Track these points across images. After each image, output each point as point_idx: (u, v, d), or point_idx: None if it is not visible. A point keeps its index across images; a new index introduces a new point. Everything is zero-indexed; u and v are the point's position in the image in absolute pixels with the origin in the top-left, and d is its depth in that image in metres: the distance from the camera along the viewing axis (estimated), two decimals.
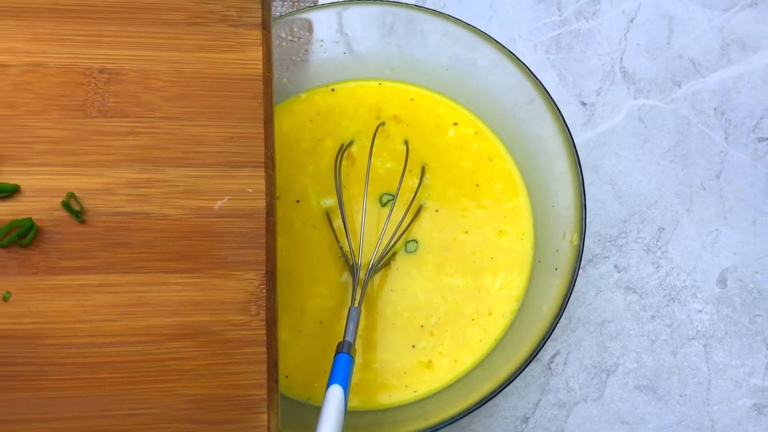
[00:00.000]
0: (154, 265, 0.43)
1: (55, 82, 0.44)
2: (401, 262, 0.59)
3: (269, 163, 0.47)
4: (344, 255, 0.58)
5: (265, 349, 0.43)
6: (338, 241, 0.59)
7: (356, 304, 0.54)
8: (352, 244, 0.58)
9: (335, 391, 0.46)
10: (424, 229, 0.60)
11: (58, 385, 0.40)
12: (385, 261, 0.58)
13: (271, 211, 0.46)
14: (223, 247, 0.44)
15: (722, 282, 0.64)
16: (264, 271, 0.44)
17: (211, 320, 0.43)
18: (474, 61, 0.61)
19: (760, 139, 0.68)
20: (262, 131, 0.47)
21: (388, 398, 0.56)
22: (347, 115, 0.64)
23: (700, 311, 0.63)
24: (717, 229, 0.65)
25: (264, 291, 0.44)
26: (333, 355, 0.56)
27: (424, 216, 0.61)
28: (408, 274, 0.59)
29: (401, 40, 0.62)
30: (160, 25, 0.47)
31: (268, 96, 0.49)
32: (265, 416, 0.42)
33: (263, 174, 0.46)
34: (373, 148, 0.62)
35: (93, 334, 0.41)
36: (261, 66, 0.48)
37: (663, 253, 0.65)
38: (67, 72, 0.44)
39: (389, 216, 0.59)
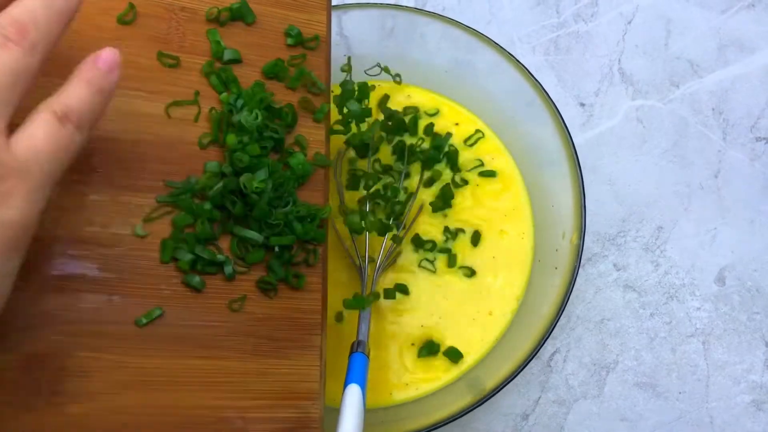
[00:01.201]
0: None
1: (138, 12, 0.46)
2: (402, 261, 0.60)
3: (326, 138, 0.51)
4: (350, 256, 0.59)
5: (320, 279, 0.47)
6: (344, 243, 0.59)
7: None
8: (357, 245, 0.59)
9: (354, 391, 0.46)
10: (427, 230, 0.61)
11: (139, 292, 0.42)
12: (391, 260, 0.59)
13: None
14: None
15: (720, 280, 0.64)
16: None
17: None
18: (473, 64, 0.62)
19: (758, 139, 0.69)
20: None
21: (389, 396, 0.56)
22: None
23: (698, 309, 0.63)
24: (715, 228, 0.66)
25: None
26: (342, 355, 0.57)
27: (426, 217, 0.61)
28: (409, 274, 0.60)
29: (401, 43, 0.63)
30: None
31: (328, 56, 0.51)
32: (318, 338, 0.46)
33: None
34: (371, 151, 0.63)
35: None
36: (324, 28, 0.51)
37: (662, 251, 0.65)
38: (151, 5, 0.46)
39: (393, 215, 0.60)
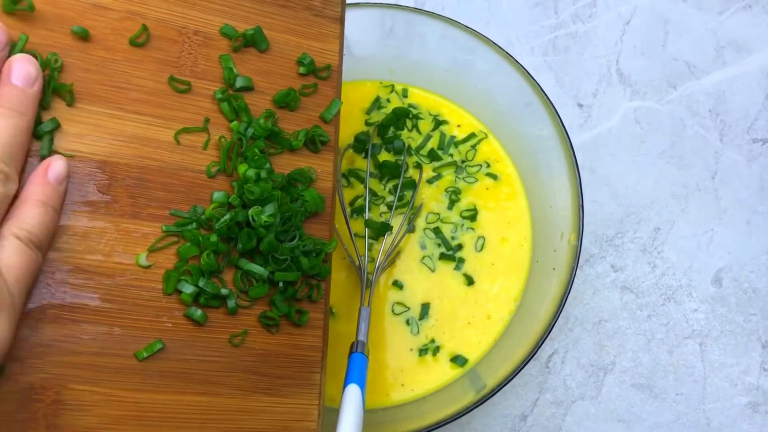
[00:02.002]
0: None
1: (151, 35, 0.45)
2: (401, 264, 0.60)
3: (336, 157, 0.50)
4: (349, 256, 0.59)
5: (322, 316, 0.46)
6: (343, 244, 0.59)
7: (366, 304, 0.55)
8: (357, 246, 0.58)
9: (353, 390, 0.46)
10: (428, 234, 0.61)
11: (139, 324, 0.41)
12: (390, 260, 0.59)
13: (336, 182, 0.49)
14: None
15: (717, 281, 0.64)
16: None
17: None
18: (472, 64, 0.62)
19: (755, 140, 0.69)
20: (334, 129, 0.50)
21: (386, 397, 0.56)
22: (342, 118, 0.64)
23: (695, 310, 0.63)
24: (712, 229, 0.66)
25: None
26: (334, 352, 0.57)
27: (425, 219, 0.61)
28: (408, 276, 0.59)
29: (401, 43, 0.63)
30: (252, 0, 0.48)
31: (339, 86, 0.51)
32: (318, 376, 0.45)
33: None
34: (371, 150, 0.62)
35: None
36: (337, 57, 0.51)
37: (659, 253, 0.65)
38: (164, 27, 0.45)
39: (392, 216, 0.60)
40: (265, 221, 0.43)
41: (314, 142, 0.48)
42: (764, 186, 0.67)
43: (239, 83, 0.46)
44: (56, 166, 0.39)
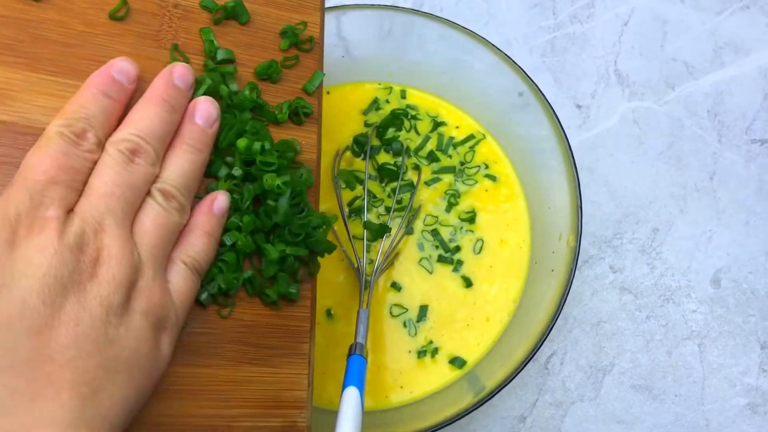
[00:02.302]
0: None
1: (131, 8, 0.44)
2: (399, 266, 0.60)
3: (319, 133, 0.50)
4: (348, 258, 0.59)
5: (310, 286, 0.46)
6: (341, 246, 0.59)
7: (364, 306, 0.55)
8: (356, 247, 0.58)
9: (352, 393, 0.46)
10: (426, 236, 0.61)
11: None
12: (389, 262, 0.59)
13: (318, 165, 0.49)
14: None
15: (716, 282, 0.64)
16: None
17: None
18: (470, 65, 0.62)
19: (753, 141, 0.69)
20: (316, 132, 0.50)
21: (385, 399, 0.56)
22: (340, 119, 0.64)
23: (694, 311, 0.63)
24: (711, 230, 0.66)
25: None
26: (333, 354, 0.57)
27: (423, 221, 0.61)
28: (407, 278, 0.59)
29: (399, 44, 0.63)
30: None
31: (322, 58, 0.51)
32: (307, 345, 0.45)
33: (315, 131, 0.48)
34: (370, 151, 0.62)
35: None
36: (318, 29, 0.51)
37: (657, 253, 0.65)
38: (143, 1, 0.45)
39: (390, 218, 0.60)
40: (279, 187, 0.42)
41: (297, 114, 0.48)
42: (762, 186, 0.67)
43: (220, 56, 0.46)
44: (221, 200, 0.41)
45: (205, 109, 0.42)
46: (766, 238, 0.66)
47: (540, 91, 0.58)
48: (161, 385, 0.40)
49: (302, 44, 0.50)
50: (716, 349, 0.62)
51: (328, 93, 0.65)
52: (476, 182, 0.62)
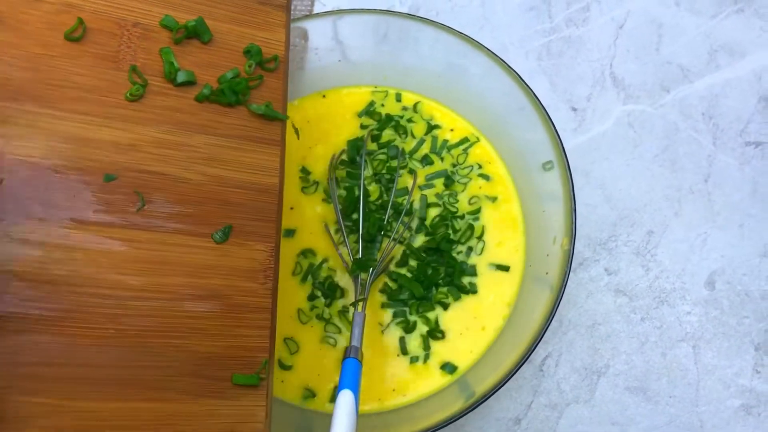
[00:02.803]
0: (173, 225, 0.44)
1: (88, 28, 0.43)
2: (394, 270, 0.60)
3: (283, 143, 0.48)
4: (344, 262, 0.59)
5: (269, 316, 0.45)
6: (338, 249, 0.60)
7: (360, 309, 0.55)
8: (351, 251, 0.59)
9: (346, 396, 0.46)
10: (419, 240, 0.61)
11: (82, 332, 0.40)
12: (384, 265, 0.59)
13: (281, 188, 0.48)
14: (238, 216, 0.46)
15: (710, 284, 0.65)
16: (273, 245, 0.46)
17: (223, 284, 0.44)
18: (466, 69, 0.62)
19: (747, 144, 0.69)
20: (281, 112, 0.49)
21: (377, 402, 0.56)
22: (336, 123, 0.65)
23: (688, 313, 0.64)
24: (705, 232, 0.66)
25: (272, 262, 0.46)
26: (334, 359, 0.57)
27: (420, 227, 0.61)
28: (403, 283, 0.60)
29: (395, 48, 0.63)
30: None
31: (287, 77, 0.50)
32: (265, 377, 0.44)
33: (278, 152, 0.48)
34: (365, 156, 0.63)
35: (115, 286, 0.42)
36: (283, 47, 0.49)
37: (652, 256, 0.66)
38: (101, 19, 0.44)
39: (386, 221, 0.60)
40: None
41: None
42: (757, 189, 0.68)
43: (181, 78, 0.45)
44: None
45: None
46: (761, 240, 0.66)
47: (534, 95, 0.58)
48: (116, 422, 0.39)
49: (266, 63, 0.48)
50: (711, 351, 0.63)
51: (324, 96, 0.66)
52: (471, 180, 0.62)
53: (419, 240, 0.61)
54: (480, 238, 0.61)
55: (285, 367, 0.57)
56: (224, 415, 0.43)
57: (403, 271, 0.60)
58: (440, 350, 0.58)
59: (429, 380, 0.57)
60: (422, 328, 0.58)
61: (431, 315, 0.58)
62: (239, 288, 0.45)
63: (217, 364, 0.43)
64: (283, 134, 0.49)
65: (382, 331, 0.58)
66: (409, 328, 0.58)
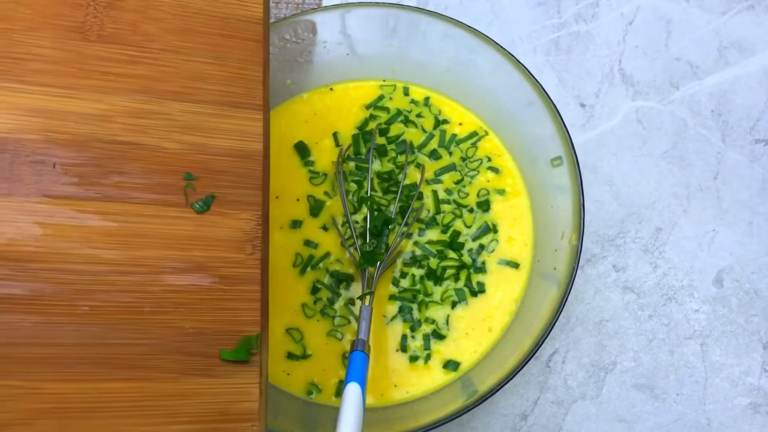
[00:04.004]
0: (150, 196, 0.42)
1: (52, 0, 0.42)
2: (400, 266, 0.60)
3: (266, 107, 0.47)
4: (351, 256, 0.59)
5: (259, 288, 0.43)
6: (345, 242, 0.59)
7: (367, 303, 0.55)
8: (359, 245, 0.58)
9: (353, 389, 0.46)
10: (429, 235, 0.61)
11: (54, 310, 0.39)
12: (391, 259, 0.59)
13: (267, 154, 0.46)
14: (221, 185, 0.44)
15: (719, 282, 0.64)
16: (260, 213, 0.45)
17: (207, 256, 0.43)
18: (475, 63, 0.62)
19: (757, 141, 0.69)
20: (261, 75, 0.47)
21: (380, 397, 0.56)
22: (343, 116, 0.65)
23: (697, 311, 0.63)
24: (714, 230, 0.66)
25: (259, 231, 0.44)
26: (339, 353, 0.57)
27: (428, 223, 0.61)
28: (411, 284, 0.59)
29: (403, 42, 0.63)
30: None
31: (266, 41, 0.48)
32: (257, 352, 0.42)
33: (261, 117, 0.46)
34: (373, 149, 0.63)
35: (89, 261, 0.40)
36: (261, 9, 0.48)
37: (660, 253, 0.65)
38: None
39: (394, 215, 0.60)
40: None
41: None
42: (766, 187, 0.67)
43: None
44: None
45: None
46: None
47: (544, 90, 0.58)
48: (94, 404, 0.38)
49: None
50: (718, 349, 0.62)
51: (331, 90, 0.65)
52: (478, 173, 0.62)
53: (429, 235, 0.60)
54: (492, 232, 0.60)
55: (292, 358, 0.57)
56: (213, 393, 0.41)
57: (414, 268, 0.59)
58: (444, 349, 0.57)
59: (431, 377, 0.57)
60: (427, 328, 0.58)
61: (438, 315, 0.58)
62: (225, 259, 0.43)
63: (204, 341, 0.41)
64: (266, 98, 0.47)
65: (386, 324, 0.58)
66: (414, 325, 0.58)
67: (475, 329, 0.58)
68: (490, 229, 0.60)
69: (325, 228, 0.61)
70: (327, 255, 0.60)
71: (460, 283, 0.59)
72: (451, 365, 0.57)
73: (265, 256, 0.45)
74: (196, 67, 0.46)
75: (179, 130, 0.44)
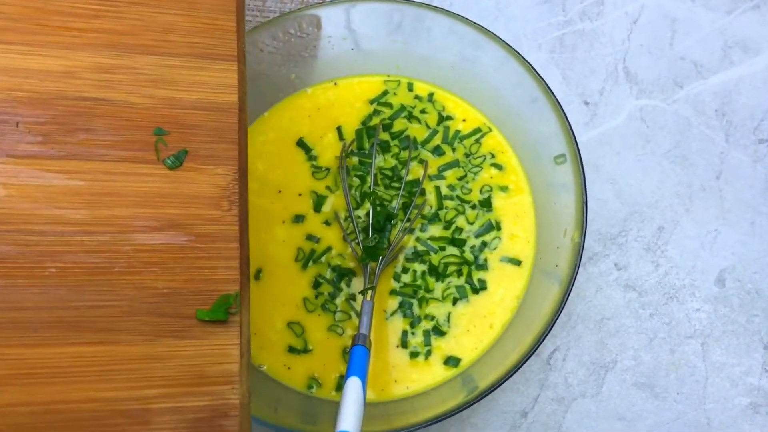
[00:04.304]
0: (118, 153, 0.41)
1: None
2: (401, 261, 0.60)
3: (241, 57, 0.46)
4: (354, 251, 0.59)
5: (237, 245, 0.42)
6: (347, 237, 0.59)
7: (369, 298, 0.55)
8: (362, 240, 0.58)
9: (354, 383, 0.46)
10: (432, 231, 0.61)
11: (19, 273, 0.38)
12: (393, 255, 0.59)
13: (243, 107, 0.45)
14: (194, 140, 0.43)
15: (720, 281, 0.64)
16: (236, 167, 0.43)
17: (181, 213, 0.41)
18: (479, 59, 0.62)
19: (761, 141, 0.69)
20: (235, 24, 0.46)
21: (380, 392, 0.56)
22: (347, 111, 0.65)
23: (698, 310, 0.63)
24: (716, 230, 0.66)
25: (236, 187, 0.43)
26: (340, 348, 0.57)
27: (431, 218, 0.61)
28: (413, 280, 0.59)
29: (408, 37, 0.63)
30: None
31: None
32: (236, 311, 0.41)
33: (236, 68, 0.45)
34: (376, 145, 0.63)
35: (54, 221, 0.39)
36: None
37: (662, 252, 0.65)
38: None
39: (396, 211, 0.60)
40: None
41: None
42: None
43: None
44: None
45: None
46: None
47: (548, 87, 0.58)
48: (61, 369, 0.36)
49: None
50: (719, 349, 0.62)
51: (336, 84, 0.65)
52: (482, 169, 0.62)
53: (431, 230, 0.60)
54: (495, 230, 0.60)
55: (293, 352, 0.57)
56: (188, 356, 0.39)
57: (416, 264, 0.59)
58: (444, 345, 0.57)
59: (431, 373, 0.57)
60: (427, 324, 0.58)
61: (439, 312, 0.58)
62: (200, 216, 0.42)
63: (179, 301, 0.40)
64: (240, 49, 0.46)
65: (386, 319, 0.58)
66: (413, 321, 0.58)
67: (476, 326, 0.58)
68: (493, 226, 0.60)
69: (327, 223, 0.61)
70: (329, 249, 0.60)
71: (462, 280, 0.59)
72: (451, 361, 0.57)
73: (243, 213, 0.43)
74: (166, 18, 0.44)
75: (149, 84, 0.43)
